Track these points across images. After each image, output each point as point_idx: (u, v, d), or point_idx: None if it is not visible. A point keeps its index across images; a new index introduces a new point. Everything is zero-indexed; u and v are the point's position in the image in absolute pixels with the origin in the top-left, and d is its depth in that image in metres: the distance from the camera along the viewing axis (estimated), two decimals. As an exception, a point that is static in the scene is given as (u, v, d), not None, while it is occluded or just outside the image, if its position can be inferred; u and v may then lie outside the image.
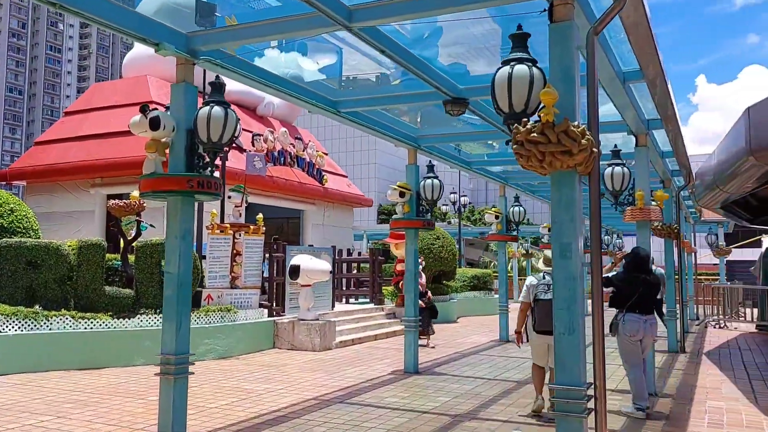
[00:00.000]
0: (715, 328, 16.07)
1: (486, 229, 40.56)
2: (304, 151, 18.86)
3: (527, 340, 6.42)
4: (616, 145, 8.09)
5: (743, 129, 6.98)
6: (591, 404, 3.73)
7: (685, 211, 17.66)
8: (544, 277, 6.19)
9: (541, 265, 7.01)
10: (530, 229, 31.03)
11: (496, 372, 9.15)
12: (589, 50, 3.88)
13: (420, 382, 8.28)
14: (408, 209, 8.73)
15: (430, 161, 9.06)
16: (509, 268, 32.52)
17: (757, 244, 29.36)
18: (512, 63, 3.97)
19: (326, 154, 21.00)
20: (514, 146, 3.84)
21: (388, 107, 7.84)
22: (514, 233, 12.47)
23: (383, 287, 15.90)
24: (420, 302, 11.10)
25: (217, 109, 5.06)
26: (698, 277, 29.18)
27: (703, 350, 11.86)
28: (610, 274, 6.77)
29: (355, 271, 18.91)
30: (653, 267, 6.82)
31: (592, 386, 3.79)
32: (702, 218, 20.78)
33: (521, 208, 12.42)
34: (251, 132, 16.80)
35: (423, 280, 11.88)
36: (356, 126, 7.78)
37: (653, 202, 7.88)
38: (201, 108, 5.14)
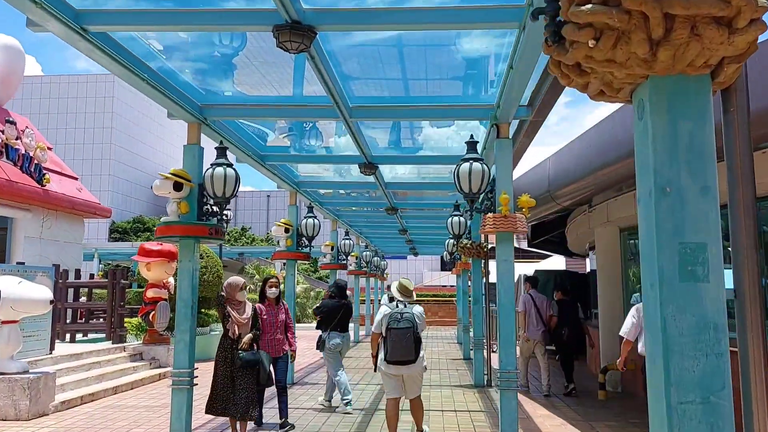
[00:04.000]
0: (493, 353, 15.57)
1: (246, 248, 37.50)
2: (17, 140, 14.20)
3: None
4: (472, 135, 6.33)
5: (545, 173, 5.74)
6: None
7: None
8: (397, 306, 5.76)
9: (395, 293, 5.86)
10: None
11: (302, 438, 6.68)
12: None
13: (199, 472, 5.43)
14: (186, 209, 5.86)
15: (221, 141, 6.27)
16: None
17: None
18: None
19: (51, 149, 16.38)
20: (588, 7, 1.57)
21: (170, 32, 4.89)
22: (306, 250, 10.12)
23: (125, 320, 12.27)
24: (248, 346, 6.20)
25: None
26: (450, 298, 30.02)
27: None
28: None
29: (84, 299, 14.81)
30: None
31: None
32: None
33: (315, 221, 10.16)
34: (-65, 107, 11.95)
35: (247, 313, 6.15)
36: (111, 67, 4.72)
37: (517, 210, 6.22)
38: None
